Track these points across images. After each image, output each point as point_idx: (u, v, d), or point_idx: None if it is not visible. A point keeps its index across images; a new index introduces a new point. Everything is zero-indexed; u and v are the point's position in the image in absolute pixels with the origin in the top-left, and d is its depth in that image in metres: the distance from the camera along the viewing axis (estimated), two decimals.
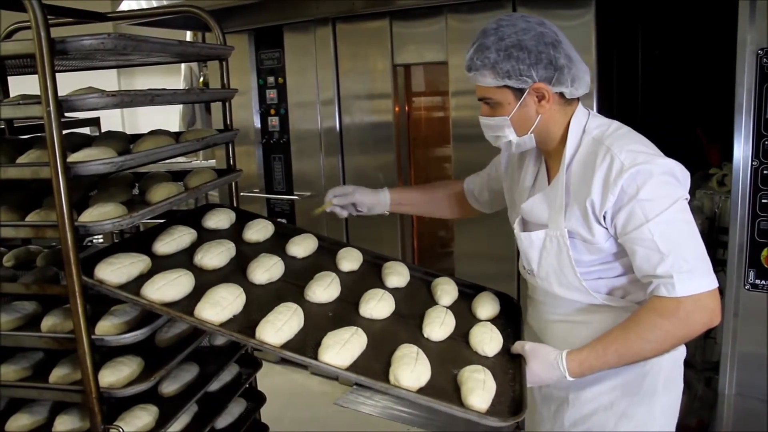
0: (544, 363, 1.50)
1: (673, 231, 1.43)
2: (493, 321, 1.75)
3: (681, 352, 1.65)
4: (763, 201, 2.16)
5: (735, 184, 2.20)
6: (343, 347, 1.38)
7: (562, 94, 1.55)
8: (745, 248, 2.22)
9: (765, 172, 2.15)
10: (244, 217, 1.99)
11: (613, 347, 1.47)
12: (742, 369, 2.30)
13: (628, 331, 1.47)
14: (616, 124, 1.58)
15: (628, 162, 1.44)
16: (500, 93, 1.55)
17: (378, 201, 2.07)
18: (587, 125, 1.58)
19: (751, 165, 2.17)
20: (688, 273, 1.40)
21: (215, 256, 1.65)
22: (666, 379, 1.61)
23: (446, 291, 1.84)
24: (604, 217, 1.49)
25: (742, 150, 2.17)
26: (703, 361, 2.79)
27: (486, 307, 1.81)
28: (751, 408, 2.30)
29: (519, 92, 1.53)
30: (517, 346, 1.58)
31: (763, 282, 2.20)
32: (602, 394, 1.63)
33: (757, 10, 2.08)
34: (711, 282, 1.43)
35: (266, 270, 1.65)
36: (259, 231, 1.89)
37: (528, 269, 1.72)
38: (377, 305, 1.64)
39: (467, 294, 1.90)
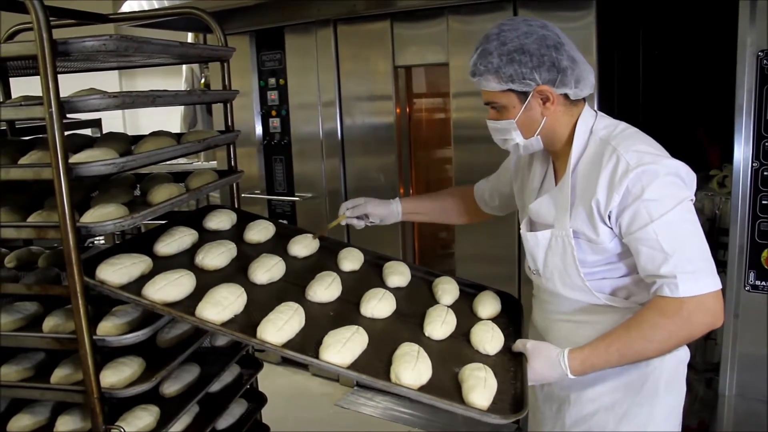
0: (545, 361, 1.50)
1: (677, 231, 1.44)
2: (495, 320, 1.75)
3: (685, 354, 1.65)
4: (764, 202, 2.16)
5: (735, 185, 2.21)
6: (344, 346, 1.38)
7: (566, 96, 1.56)
8: (746, 249, 2.22)
9: (765, 173, 2.15)
10: (245, 218, 1.99)
11: (615, 346, 1.47)
12: (743, 370, 2.30)
13: (630, 331, 1.47)
14: (623, 125, 1.59)
15: (634, 162, 1.45)
16: (505, 97, 1.56)
17: (390, 212, 2.10)
18: (594, 126, 1.59)
19: (752, 166, 2.17)
20: (692, 274, 1.41)
21: (216, 256, 1.65)
22: (668, 380, 1.61)
23: (447, 290, 1.84)
24: (609, 217, 1.49)
25: (742, 151, 2.17)
26: (703, 362, 2.79)
27: (487, 306, 1.81)
28: (752, 409, 2.30)
29: (523, 95, 1.54)
30: (519, 344, 1.58)
31: (764, 283, 2.20)
32: (603, 395, 1.64)
33: (758, 12, 2.08)
34: (715, 283, 1.43)
35: (267, 270, 1.65)
36: (260, 231, 1.90)
37: (533, 269, 1.73)
38: (378, 304, 1.64)
39: (468, 293, 1.90)
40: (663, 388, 1.61)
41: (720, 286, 1.44)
